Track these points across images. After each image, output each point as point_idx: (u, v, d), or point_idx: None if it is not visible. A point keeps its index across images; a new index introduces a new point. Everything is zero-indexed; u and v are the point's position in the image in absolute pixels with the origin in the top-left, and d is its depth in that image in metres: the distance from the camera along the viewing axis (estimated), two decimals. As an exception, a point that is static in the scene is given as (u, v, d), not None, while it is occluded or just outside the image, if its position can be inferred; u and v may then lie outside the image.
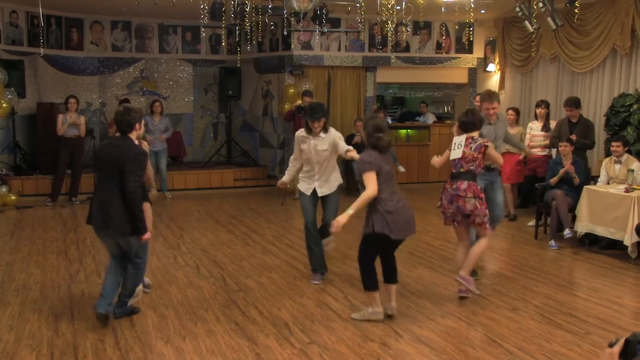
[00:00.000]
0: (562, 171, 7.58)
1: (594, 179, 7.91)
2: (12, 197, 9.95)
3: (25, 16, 11.30)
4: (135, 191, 4.64)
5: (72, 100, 10.19)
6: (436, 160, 5.85)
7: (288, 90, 11.42)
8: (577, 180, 7.50)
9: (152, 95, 12.76)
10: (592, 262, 6.91)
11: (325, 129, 6.08)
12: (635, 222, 6.56)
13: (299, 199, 6.41)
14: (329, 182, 6.16)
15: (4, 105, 9.80)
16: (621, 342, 1.79)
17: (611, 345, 1.81)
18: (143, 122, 5.03)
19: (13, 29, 11.13)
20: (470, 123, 5.52)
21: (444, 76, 12.85)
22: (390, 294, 5.08)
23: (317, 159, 6.07)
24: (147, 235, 4.79)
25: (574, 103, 8.33)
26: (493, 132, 6.24)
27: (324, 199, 6.18)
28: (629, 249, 6.67)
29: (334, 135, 6.10)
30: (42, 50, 10.41)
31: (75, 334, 4.68)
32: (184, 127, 13.15)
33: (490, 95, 6.31)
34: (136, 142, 4.96)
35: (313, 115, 5.99)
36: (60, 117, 10.09)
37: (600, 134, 9.24)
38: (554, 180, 7.63)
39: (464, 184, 5.32)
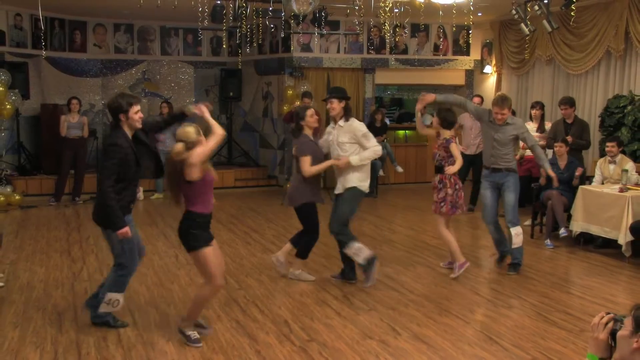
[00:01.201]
0: (577, 174, 7.64)
1: (588, 179, 7.99)
2: (17, 197, 10.03)
3: (30, 19, 11.38)
4: (105, 188, 4.43)
5: (74, 102, 10.28)
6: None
7: (287, 91, 11.52)
8: (576, 181, 7.59)
9: (154, 96, 12.86)
10: (587, 260, 7.00)
11: (346, 116, 5.75)
12: (630, 222, 6.64)
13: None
14: (345, 179, 5.79)
15: (8, 106, 9.87)
16: (629, 319, 2.00)
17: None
18: (136, 108, 4.60)
19: (17, 32, 11.22)
20: (447, 120, 6.13)
21: (442, 78, 12.92)
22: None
23: (334, 153, 5.78)
24: (122, 231, 4.49)
25: (568, 102, 8.42)
26: (492, 132, 6.28)
27: (336, 200, 5.93)
28: (623, 248, 6.75)
29: (355, 127, 5.72)
30: (44, 52, 10.50)
31: (78, 331, 4.73)
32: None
33: (502, 100, 6.18)
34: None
35: (330, 96, 5.82)
36: (63, 118, 10.20)
37: (595, 135, 9.33)
38: (575, 181, 7.63)
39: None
